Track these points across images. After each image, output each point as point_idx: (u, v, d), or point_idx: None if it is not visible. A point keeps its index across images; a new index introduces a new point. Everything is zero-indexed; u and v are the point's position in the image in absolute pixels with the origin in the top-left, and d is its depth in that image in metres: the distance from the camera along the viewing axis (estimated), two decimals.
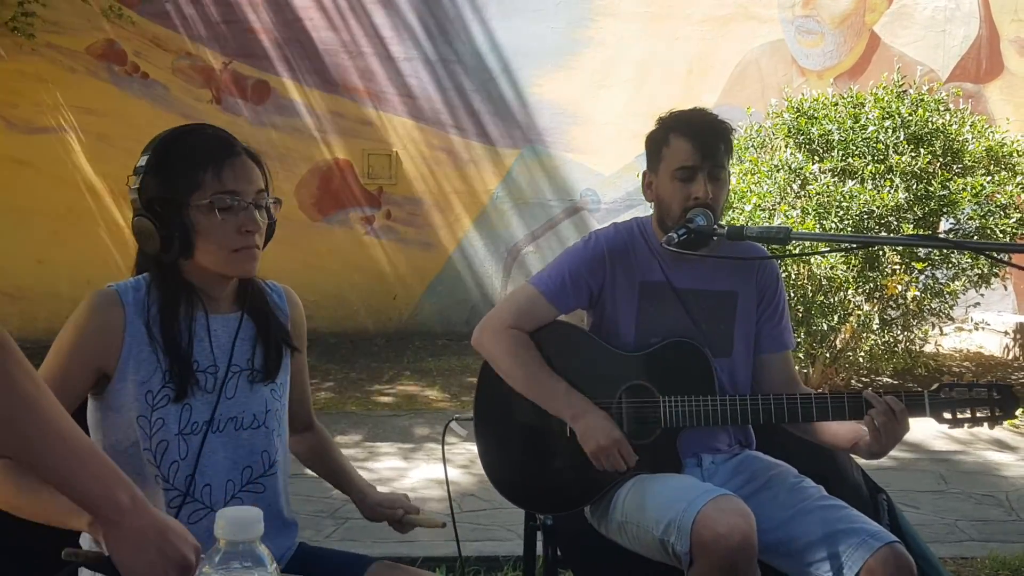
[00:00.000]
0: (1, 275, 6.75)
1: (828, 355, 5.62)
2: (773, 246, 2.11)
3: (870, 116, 5.48)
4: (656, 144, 2.14)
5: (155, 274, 1.63)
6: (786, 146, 5.64)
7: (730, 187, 2.53)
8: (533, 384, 2.09)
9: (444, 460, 2.28)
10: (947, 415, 2.00)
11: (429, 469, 4.29)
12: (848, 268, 5.29)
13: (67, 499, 1.19)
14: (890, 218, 5.23)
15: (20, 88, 6.72)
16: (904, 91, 5.72)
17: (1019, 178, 5.58)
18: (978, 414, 2.00)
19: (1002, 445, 4.84)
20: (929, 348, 6.29)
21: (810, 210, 5.23)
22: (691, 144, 2.06)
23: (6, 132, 6.75)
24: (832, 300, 5.42)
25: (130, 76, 6.88)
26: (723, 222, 2.13)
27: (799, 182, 5.47)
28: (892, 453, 2.04)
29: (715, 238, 2.00)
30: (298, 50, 7.04)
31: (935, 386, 2.02)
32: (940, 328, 6.02)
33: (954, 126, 5.57)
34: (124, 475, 1.19)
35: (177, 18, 6.91)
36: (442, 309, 7.27)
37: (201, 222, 1.58)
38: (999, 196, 5.41)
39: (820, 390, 2.20)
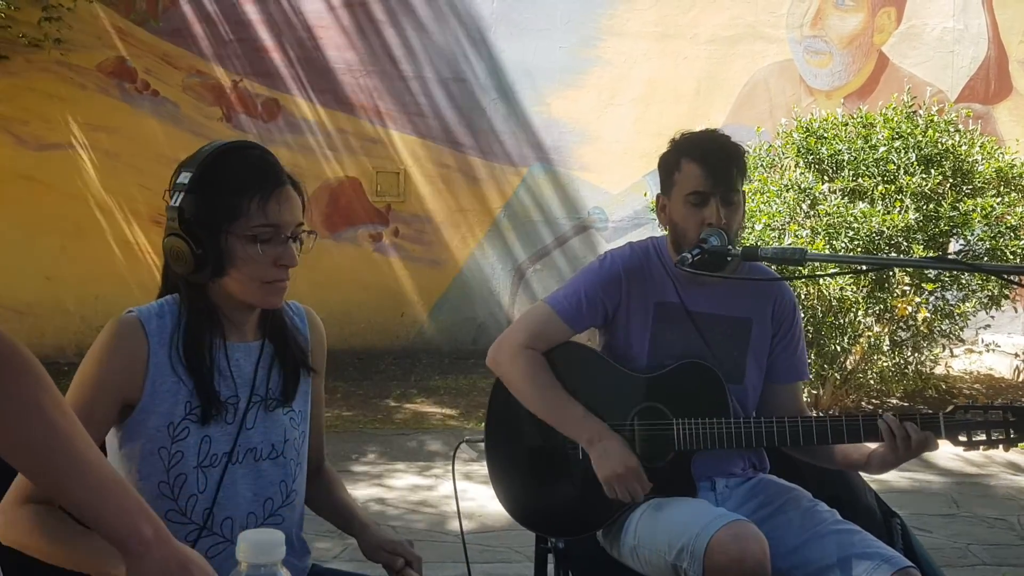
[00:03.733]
0: (9, 291, 6.76)
1: (838, 376, 5.60)
2: (788, 267, 2.10)
3: (880, 136, 5.47)
4: (668, 168, 2.13)
5: (182, 296, 1.60)
6: (796, 166, 5.64)
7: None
8: (549, 407, 2.08)
9: (454, 481, 2.26)
10: (962, 438, 1.97)
11: (440, 489, 4.27)
12: (858, 289, 5.27)
13: (100, 547, 1.17)
14: (900, 239, 5.22)
15: (30, 105, 6.75)
16: (914, 112, 5.72)
17: None
18: (993, 436, 1.97)
19: (1015, 468, 4.80)
20: (939, 370, 6.26)
21: (820, 230, 5.22)
22: (702, 169, 2.05)
23: (16, 149, 6.78)
24: (842, 321, 5.40)
25: (140, 94, 6.92)
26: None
27: (809, 202, 5.46)
28: (904, 476, 2.02)
29: (730, 260, 1.99)
30: (308, 68, 7.07)
31: (950, 408, 1.99)
32: (950, 350, 5.99)
33: (964, 147, 5.56)
34: (148, 507, 1.18)
35: (188, 36, 6.95)
36: (449, 327, 7.26)
37: (238, 250, 1.54)
38: (1009, 217, 5.39)
39: (832, 412, 2.19)
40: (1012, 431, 1.97)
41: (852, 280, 5.21)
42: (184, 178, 1.56)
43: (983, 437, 1.98)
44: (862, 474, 2.23)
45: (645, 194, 6.56)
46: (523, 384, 2.09)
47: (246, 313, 1.63)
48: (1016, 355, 6.77)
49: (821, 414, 2.13)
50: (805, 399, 3.13)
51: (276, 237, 1.55)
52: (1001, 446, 1.98)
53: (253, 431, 1.61)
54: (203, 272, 1.55)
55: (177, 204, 1.54)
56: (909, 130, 5.48)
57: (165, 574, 1.14)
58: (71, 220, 6.81)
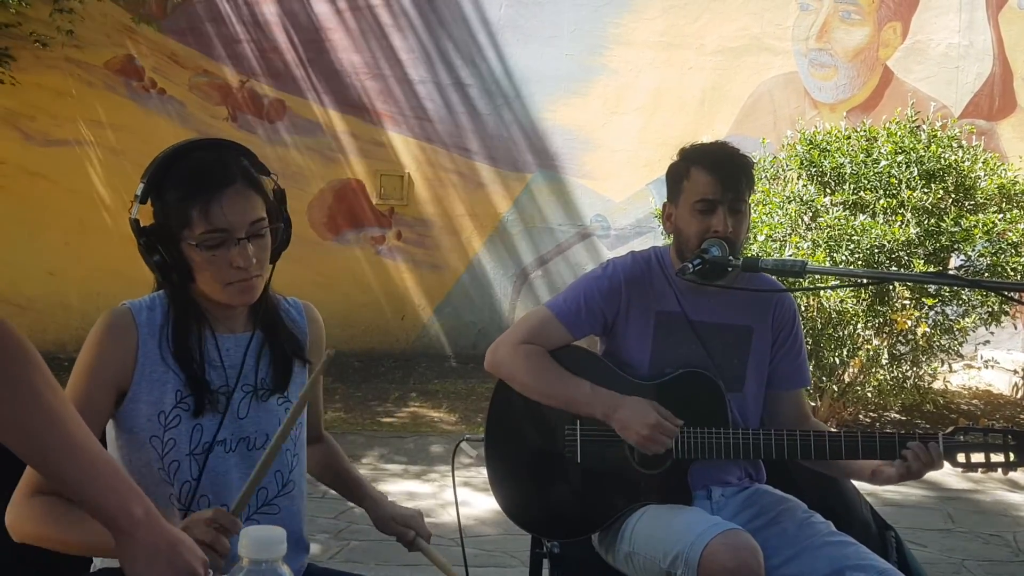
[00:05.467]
0: (12, 286, 6.78)
1: (836, 389, 5.60)
2: (788, 279, 2.11)
3: (882, 151, 5.49)
4: (677, 176, 2.14)
5: (169, 296, 1.63)
6: (798, 178, 5.65)
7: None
8: (556, 390, 2.08)
9: (454, 483, 2.27)
10: (961, 459, 1.97)
11: (437, 491, 4.28)
12: (858, 302, 5.28)
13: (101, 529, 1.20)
14: (901, 253, 5.23)
15: (38, 101, 6.78)
16: (917, 126, 5.73)
17: None
18: (992, 460, 1.96)
19: (1012, 484, 4.80)
20: (938, 385, 6.26)
21: (821, 242, 5.23)
22: (712, 177, 2.06)
23: (23, 144, 6.81)
24: (841, 334, 5.41)
25: (147, 92, 6.94)
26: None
27: (810, 214, 5.48)
28: (900, 490, 2.03)
29: (731, 270, 2.00)
30: (314, 70, 7.10)
31: (950, 429, 1.99)
32: (949, 365, 5.99)
33: (966, 163, 5.57)
34: (139, 489, 1.21)
35: (196, 35, 6.98)
36: (450, 331, 7.27)
37: (194, 258, 1.57)
38: (1011, 234, 5.40)
39: (831, 426, 2.19)
40: (1012, 455, 1.96)
41: (852, 293, 5.22)
42: (139, 190, 1.58)
43: (982, 459, 1.97)
44: (858, 487, 2.24)
45: (652, 200, 6.58)
46: (524, 373, 2.09)
47: (231, 307, 1.65)
48: (1015, 372, 6.78)
49: (820, 428, 2.13)
50: None
51: (228, 240, 1.56)
52: (1000, 470, 1.97)
53: (246, 420, 1.63)
54: (170, 279, 1.59)
55: (135, 215, 1.58)
56: (912, 145, 5.49)
57: (154, 553, 1.16)
58: (75, 216, 6.83)
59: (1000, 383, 6.92)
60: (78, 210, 6.84)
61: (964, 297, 5.45)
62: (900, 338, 5.57)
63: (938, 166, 5.46)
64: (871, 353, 5.47)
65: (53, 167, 6.81)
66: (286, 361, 1.69)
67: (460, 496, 3.94)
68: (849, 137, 5.73)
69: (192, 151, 1.60)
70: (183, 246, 1.56)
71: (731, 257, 1.99)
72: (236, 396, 1.62)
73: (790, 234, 5.39)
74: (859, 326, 5.37)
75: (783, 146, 5.98)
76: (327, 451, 1.90)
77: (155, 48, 6.90)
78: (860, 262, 5.16)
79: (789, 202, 5.48)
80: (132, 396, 1.56)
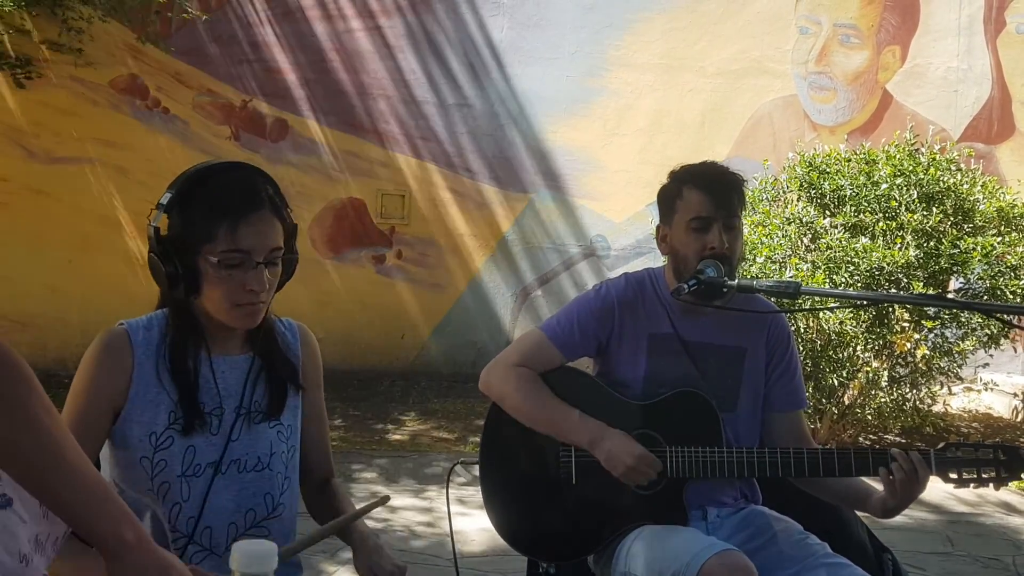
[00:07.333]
0: (13, 302, 6.80)
1: (836, 411, 5.60)
2: (783, 300, 2.12)
3: (882, 173, 5.51)
4: (669, 197, 2.16)
5: (171, 311, 1.64)
6: (798, 200, 5.67)
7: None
8: (544, 415, 2.09)
9: (448, 504, 2.27)
10: (952, 475, 1.97)
11: (434, 512, 4.27)
12: (857, 324, 5.28)
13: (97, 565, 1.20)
14: (900, 275, 5.24)
15: (43, 119, 6.82)
16: (916, 149, 5.76)
17: None
18: (983, 475, 1.97)
19: (1010, 508, 4.79)
20: (937, 407, 6.25)
21: (820, 264, 5.24)
22: (705, 195, 2.08)
23: (26, 162, 6.84)
24: (841, 355, 5.41)
25: (151, 111, 6.98)
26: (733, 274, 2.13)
27: (810, 236, 5.49)
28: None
29: (726, 291, 2.01)
30: (317, 90, 7.14)
31: (941, 445, 2.00)
32: (949, 388, 5.99)
33: (965, 186, 5.59)
34: (131, 512, 1.21)
35: (200, 55, 7.03)
36: (449, 350, 7.27)
37: (209, 272, 1.57)
38: (1009, 257, 5.41)
39: (828, 446, 2.18)
40: (1002, 470, 1.97)
41: (852, 314, 5.22)
42: (165, 199, 1.60)
43: (973, 475, 1.98)
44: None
45: (652, 221, 6.61)
46: (516, 397, 2.11)
47: (230, 328, 1.66)
48: (1015, 395, 6.76)
49: (815, 447, 2.13)
50: None
51: (246, 262, 1.57)
52: (991, 485, 1.98)
53: (237, 443, 1.64)
54: (177, 290, 1.59)
55: (155, 223, 1.59)
56: (911, 167, 5.51)
57: None
58: (78, 234, 6.86)
59: (1000, 406, 6.91)
60: (81, 228, 6.86)
61: (963, 320, 5.45)
62: (899, 360, 5.57)
63: (937, 189, 5.48)
64: (871, 375, 5.47)
65: (56, 185, 6.84)
66: (281, 387, 1.70)
67: (457, 516, 3.94)
68: (849, 160, 5.76)
69: (226, 171, 1.63)
70: (199, 260, 1.57)
71: (726, 277, 2.00)
72: (228, 418, 1.63)
73: (790, 256, 5.41)
74: (859, 348, 5.37)
75: (783, 168, 6.00)
76: (333, 495, 1.82)
77: (159, 67, 6.94)
78: (860, 284, 5.17)
79: (789, 224, 5.50)
80: (125, 416, 1.57)
